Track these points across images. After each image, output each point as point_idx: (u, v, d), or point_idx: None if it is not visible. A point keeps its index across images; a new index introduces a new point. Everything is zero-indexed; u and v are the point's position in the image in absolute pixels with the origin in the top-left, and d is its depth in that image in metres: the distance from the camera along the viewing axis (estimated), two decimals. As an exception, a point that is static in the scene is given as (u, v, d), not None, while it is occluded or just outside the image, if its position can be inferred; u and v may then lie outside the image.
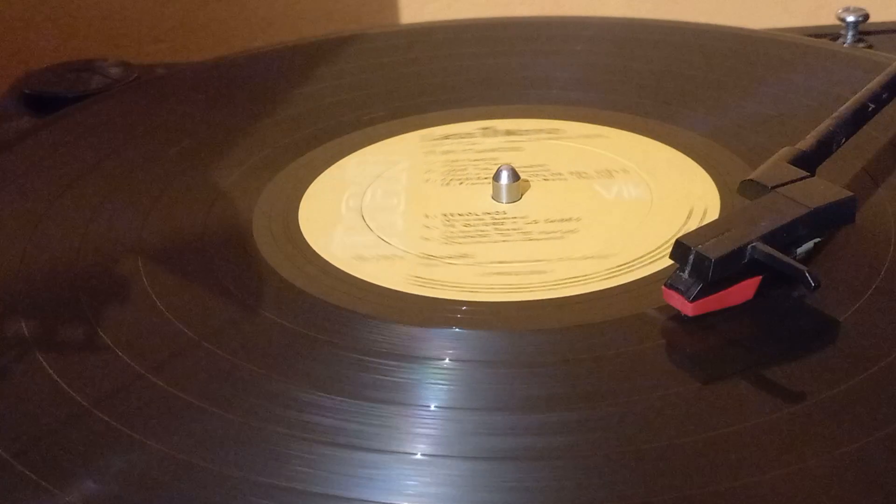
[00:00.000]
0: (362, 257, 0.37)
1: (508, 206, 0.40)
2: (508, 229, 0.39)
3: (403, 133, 0.47)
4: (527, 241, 0.38)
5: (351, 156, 0.45)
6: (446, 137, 0.46)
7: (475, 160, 0.44)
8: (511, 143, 0.45)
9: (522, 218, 0.39)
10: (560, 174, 0.42)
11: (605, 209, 0.39)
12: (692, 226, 0.38)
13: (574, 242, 0.37)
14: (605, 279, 0.35)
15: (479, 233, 0.38)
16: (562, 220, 0.39)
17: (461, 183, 0.42)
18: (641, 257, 0.36)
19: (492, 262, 0.36)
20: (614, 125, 0.46)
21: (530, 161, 0.43)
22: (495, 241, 0.38)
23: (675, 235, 0.35)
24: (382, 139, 0.46)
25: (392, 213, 0.40)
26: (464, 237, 0.38)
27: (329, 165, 0.44)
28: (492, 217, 0.40)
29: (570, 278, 0.35)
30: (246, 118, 0.49)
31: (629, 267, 0.36)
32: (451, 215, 0.40)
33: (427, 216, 0.40)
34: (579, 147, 0.44)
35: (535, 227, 0.39)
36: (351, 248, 0.38)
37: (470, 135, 0.46)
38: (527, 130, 0.46)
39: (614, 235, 0.38)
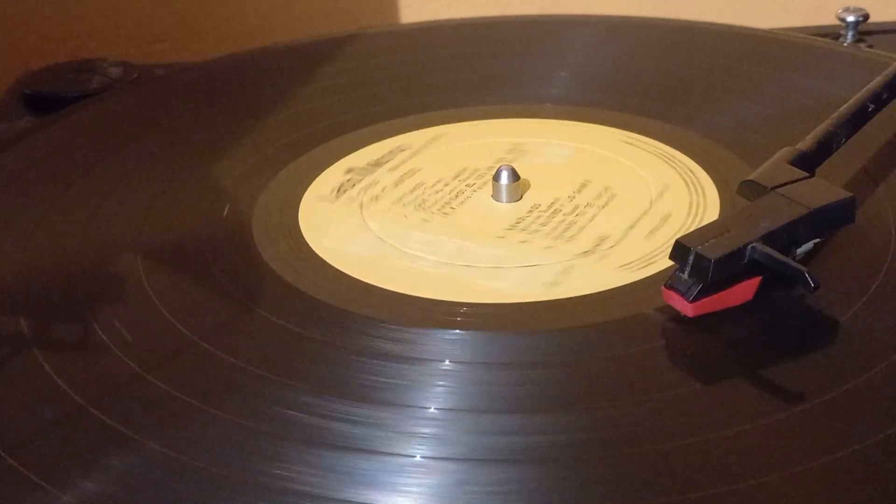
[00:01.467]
0: (342, 243, 0.38)
1: (505, 205, 0.40)
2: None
3: (406, 132, 0.47)
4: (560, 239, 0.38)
5: (352, 155, 0.45)
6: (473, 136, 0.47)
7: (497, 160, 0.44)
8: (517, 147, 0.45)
9: (514, 220, 0.39)
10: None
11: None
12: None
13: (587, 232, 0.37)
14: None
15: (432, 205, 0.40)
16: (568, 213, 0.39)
17: (469, 180, 0.42)
18: (641, 258, 0.36)
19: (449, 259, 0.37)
20: (614, 125, 0.46)
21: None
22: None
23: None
24: (384, 138, 0.47)
25: (391, 202, 0.41)
26: (442, 229, 0.39)
27: (329, 165, 0.44)
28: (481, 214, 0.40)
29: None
30: (246, 118, 0.49)
31: (629, 267, 0.36)
32: (445, 209, 0.40)
33: (422, 207, 0.41)
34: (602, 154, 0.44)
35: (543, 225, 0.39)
36: (335, 234, 0.39)
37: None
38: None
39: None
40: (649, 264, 0.35)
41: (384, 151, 0.45)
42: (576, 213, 0.39)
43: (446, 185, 0.42)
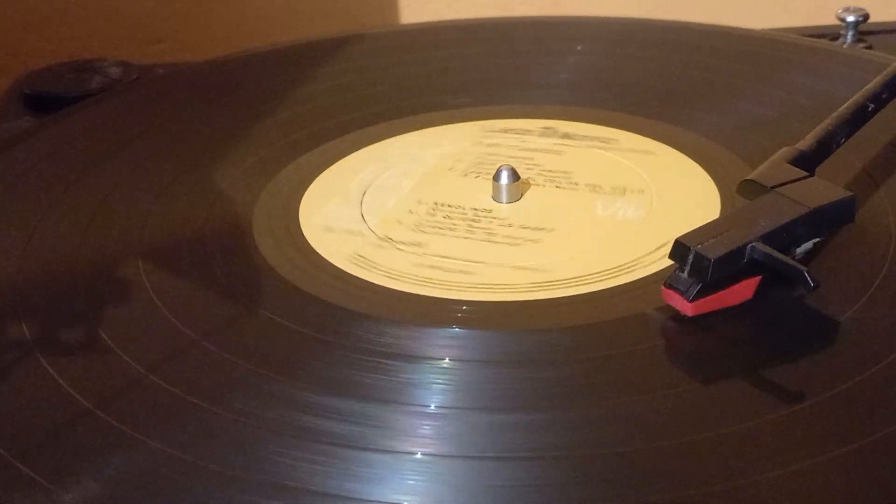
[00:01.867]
0: (330, 228, 0.39)
1: (505, 205, 0.40)
2: (478, 227, 0.39)
3: (406, 132, 0.47)
4: (483, 242, 0.38)
5: (397, 137, 0.46)
6: (504, 131, 0.47)
7: (512, 157, 0.44)
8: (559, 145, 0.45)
9: (501, 219, 0.39)
10: (576, 184, 0.42)
11: (587, 225, 0.39)
12: (656, 256, 0.37)
13: (525, 252, 0.37)
14: (526, 292, 0.35)
15: (451, 226, 0.39)
16: (534, 229, 0.39)
17: (478, 176, 0.42)
18: (641, 258, 0.36)
19: (435, 255, 0.37)
20: (614, 125, 0.46)
21: (556, 167, 0.43)
22: (456, 237, 0.38)
23: (625, 263, 0.36)
24: (384, 138, 0.47)
25: (391, 194, 0.41)
26: (433, 227, 0.39)
27: (329, 165, 0.44)
28: (475, 213, 0.40)
29: (491, 284, 0.35)
30: (246, 118, 0.49)
31: (629, 268, 0.36)
32: (440, 205, 0.40)
33: (419, 202, 0.41)
34: (616, 160, 0.44)
35: (505, 230, 0.39)
36: (328, 218, 0.39)
37: (528, 131, 0.46)
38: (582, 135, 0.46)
39: (565, 253, 0.37)
40: (649, 265, 0.36)
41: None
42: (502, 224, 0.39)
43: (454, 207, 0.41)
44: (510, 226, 0.39)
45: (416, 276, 0.36)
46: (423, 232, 0.38)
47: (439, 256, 0.37)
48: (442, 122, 0.48)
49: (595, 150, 0.44)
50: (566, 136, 0.46)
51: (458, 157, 0.44)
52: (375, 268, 0.36)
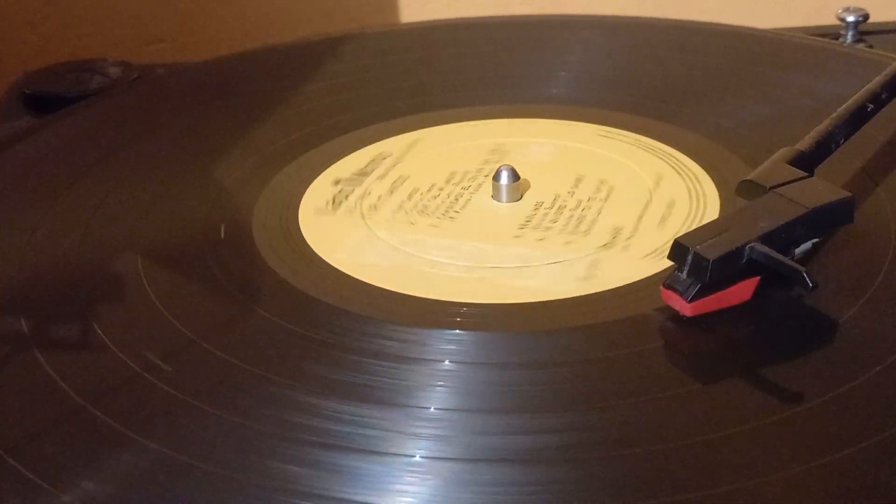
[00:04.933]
0: (341, 242, 0.38)
1: (505, 205, 0.40)
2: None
3: (406, 132, 0.47)
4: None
5: (352, 155, 0.46)
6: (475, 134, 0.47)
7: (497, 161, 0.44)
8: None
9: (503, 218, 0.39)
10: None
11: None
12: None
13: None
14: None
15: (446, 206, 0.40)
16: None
17: (473, 179, 0.43)
18: (662, 246, 0.36)
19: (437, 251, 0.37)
20: (614, 125, 0.46)
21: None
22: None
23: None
24: (384, 138, 0.47)
25: (389, 201, 0.41)
26: (433, 210, 0.39)
27: (329, 165, 0.44)
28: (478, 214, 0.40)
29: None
30: (246, 118, 0.49)
31: (654, 255, 0.36)
32: (442, 207, 0.40)
33: (421, 206, 0.41)
34: (615, 158, 0.44)
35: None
36: (335, 232, 0.39)
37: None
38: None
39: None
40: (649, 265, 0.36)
41: (368, 160, 0.45)
42: (581, 209, 0.39)
43: (441, 189, 0.42)
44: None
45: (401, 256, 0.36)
46: (428, 216, 0.39)
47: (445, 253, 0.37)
48: (442, 122, 0.48)
49: (595, 149, 0.44)
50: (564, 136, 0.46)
51: (457, 157, 0.44)
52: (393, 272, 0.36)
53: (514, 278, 0.35)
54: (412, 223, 0.39)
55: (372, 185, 0.42)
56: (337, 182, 0.42)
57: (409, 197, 0.41)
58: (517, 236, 0.38)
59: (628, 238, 0.37)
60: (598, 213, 0.39)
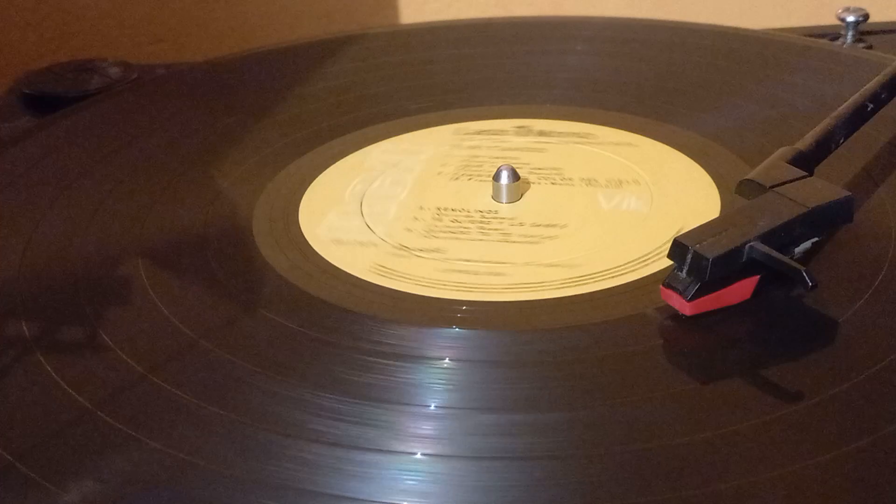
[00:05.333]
0: (340, 241, 0.38)
1: (505, 205, 0.40)
2: (490, 229, 0.39)
3: (437, 125, 0.47)
4: (502, 243, 0.38)
5: (377, 143, 0.46)
6: (478, 133, 0.46)
7: (496, 157, 0.44)
8: (538, 143, 0.45)
9: (510, 219, 0.39)
10: (570, 179, 0.42)
11: (597, 219, 0.39)
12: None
13: (547, 249, 0.37)
14: (560, 288, 0.35)
15: (462, 229, 0.39)
16: (547, 226, 0.39)
17: (470, 178, 0.42)
18: (639, 259, 0.36)
19: (458, 260, 0.37)
20: (614, 125, 0.46)
21: (546, 164, 0.43)
22: (472, 239, 0.38)
23: (649, 252, 0.36)
24: (412, 130, 0.47)
25: (389, 202, 0.41)
26: (445, 232, 0.38)
27: (329, 165, 0.44)
28: (482, 215, 0.40)
29: (525, 283, 0.35)
30: (245, 118, 0.49)
31: (627, 268, 0.36)
32: (444, 210, 0.40)
33: (421, 208, 0.40)
34: (601, 153, 0.44)
35: (517, 229, 0.39)
36: (334, 231, 0.38)
37: (503, 131, 0.46)
38: (558, 132, 0.46)
39: (589, 246, 0.37)
40: (648, 265, 0.36)
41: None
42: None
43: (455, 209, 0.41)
44: (522, 224, 0.39)
45: (448, 281, 0.35)
46: (437, 238, 0.38)
47: (464, 260, 0.37)
48: (443, 122, 0.48)
49: (599, 150, 0.44)
50: (557, 134, 0.46)
51: (442, 161, 0.44)
52: (401, 277, 0.36)
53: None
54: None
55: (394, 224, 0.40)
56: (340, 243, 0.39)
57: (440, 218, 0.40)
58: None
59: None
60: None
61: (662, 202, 0.40)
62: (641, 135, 0.45)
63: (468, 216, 0.40)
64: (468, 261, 0.37)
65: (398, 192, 0.42)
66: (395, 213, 0.40)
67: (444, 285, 0.35)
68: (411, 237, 0.38)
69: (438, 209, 0.40)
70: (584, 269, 0.36)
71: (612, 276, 0.35)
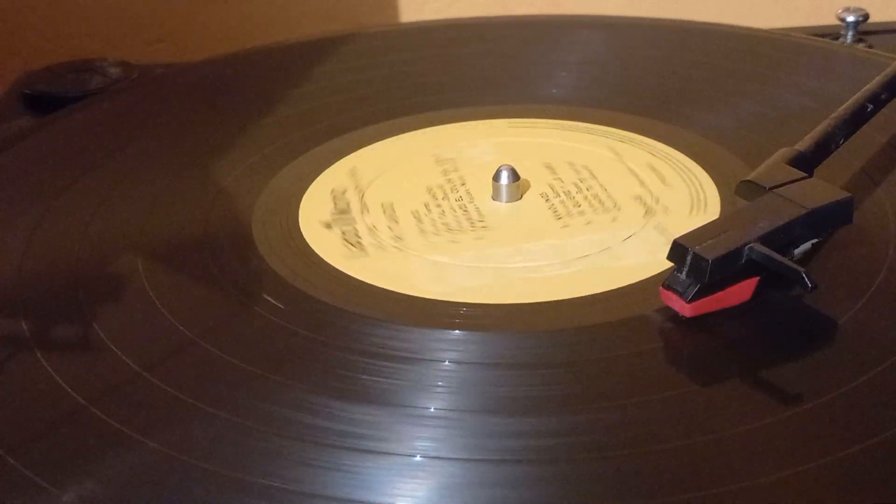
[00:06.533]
0: (339, 240, 0.38)
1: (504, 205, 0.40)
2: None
3: (411, 130, 0.47)
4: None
5: (378, 143, 0.46)
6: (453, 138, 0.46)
7: (478, 165, 0.44)
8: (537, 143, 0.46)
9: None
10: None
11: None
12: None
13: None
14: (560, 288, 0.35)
15: (448, 227, 0.39)
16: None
17: (464, 183, 0.42)
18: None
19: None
20: (614, 125, 0.46)
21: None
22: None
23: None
24: (412, 130, 0.47)
25: (388, 203, 0.41)
26: (434, 232, 0.39)
27: (329, 165, 0.44)
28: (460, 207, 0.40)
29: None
30: (246, 118, 0.49)
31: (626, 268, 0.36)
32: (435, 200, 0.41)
33: (424, 205, 0.40)
34: (601, 153, 0.44)
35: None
36: (334, 231, 0.38)
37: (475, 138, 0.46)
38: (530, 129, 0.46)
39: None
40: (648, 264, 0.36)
41: (331, 199, 0.42)
42: (588, 189, 0.41)
43: (440, 204, 0.41)
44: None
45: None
46: (435, 236, 0.38)
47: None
48: (442, 122, 0.48)
49: (597, 150, 0.44)
50: (557, 135, 0.46)
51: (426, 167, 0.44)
52: (368, 270, 0.36)
53: (610, 261, 0.36)
54: (454, 241, 0.38)
55: (366, 221, 0.40)
56: (328, 225, 0.40)
57: (420, 220, 0.40)
58: (565, 226, 0.38)
59: (657, 202, 0.39)
60: (605, 190, 0.40)
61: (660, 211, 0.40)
62: (641, 135, 0.45)
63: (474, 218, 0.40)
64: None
65: (399, 192, 0.42)
66: (418, 236, 0.39)
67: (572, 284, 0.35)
68: (465, 248, 0.38)
69: (458, 220, 0.40)
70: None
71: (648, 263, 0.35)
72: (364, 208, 0.41)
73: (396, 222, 0.40)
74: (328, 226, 0.40)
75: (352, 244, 0.38)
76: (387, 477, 0.27)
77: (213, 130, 0.48)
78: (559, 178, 0.42)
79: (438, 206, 0.41)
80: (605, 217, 0.39)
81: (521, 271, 0.36)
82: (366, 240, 0.39)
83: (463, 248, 0.38)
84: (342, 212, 0.41)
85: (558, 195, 0.41)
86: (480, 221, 0.39)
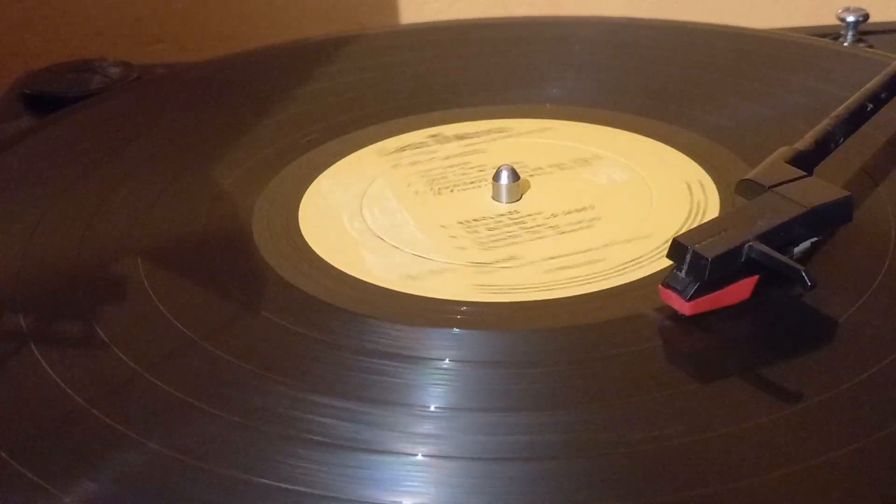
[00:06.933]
0: (412, 276, 0.36)
1: (515, 205, 0.40)
2: (534, 226, 0.39)
3: (411, 130, 0.47)
4: (562, 235, 0.38)
5: (377, 143, 0.46)
6: (402, 150, 0.46)
7: (451, 167, 0.44)
8: (471, 146, 0.45)
9: (539, 214, 0.39)
10: (540, 168, 0.43)
11: (609, 194, 0.40)
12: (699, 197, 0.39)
13: (606, 228, 0.38)
14: (658, 258, 0.35)
15: (509, 234, 0.38)
16: (578, 210, 0.39)
17: (451, 190, 0.42)
18: (640, 257, 0.36)
19: (544, 259, 0.36)
20: (614, 125, 0.46)
21: (502, 161, 0.43)
22: (531, 240, 0.38)
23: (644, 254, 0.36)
24: (412, 130, 0.47)
25: (407, 229, 0.39)
26: (496, 241, 0.38)
27: (329, 165, 0.44)
28: (509, 218, 0.39)
29: (626, 262, 0.36)
30: (246, 118, 0.49)
31: (626, 267, 0.36)
32: (468, 222, 0.39)
33: (444, 227, 0.39)
34: (542, 142, 0.45)
35: (559, 220, 0.39)
36: (395, 270, 0.36)
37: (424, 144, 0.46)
38: (480, 131, 0.47)
39: (638, 216, 0.39)
40: (648, 264, 0.36)
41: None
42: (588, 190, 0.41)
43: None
44: (556, 215, 0.39)
45: (557, 280, 0.35)
46: (497, 247, 0.37)
47: (550, 258, 0.36)
48: (443, 122, 0.48)
49: (597, 150, 0.44)
50: (558, 135, 0.46)
51: (404, 181, 0.44)
52: (511, 289, 0.35)
53: (610, 261, 0.36)
54: (457, 242, 0.38)
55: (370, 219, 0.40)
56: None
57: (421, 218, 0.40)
58: (563, 226, 0.39)
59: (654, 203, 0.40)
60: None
61: (640, 167, 0.41)
62: (641, 134, 0.45)
63: (498, 221, 0.39)
64: (554, 258, 0.36)
65: (403, 220, 0.41)
66: (428, 238, 0.39)
67: (558, 284, 0.35)
68: (473, 253, 0.37)
69: (461, 223, 0.39)
70: (659, 236, 0.37)
71: (611, 277, 0.35)
72: (367, 207, 0.41)
73: (396, 219, 0.40)
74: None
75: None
76: (387, 475, 0.27)
77: (213, 130, 0.48)
78: (559, 178, 0.42)
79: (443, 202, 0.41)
80: (605, 217, 0.39)
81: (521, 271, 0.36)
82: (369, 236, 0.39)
83: (466, 245, 0.38)
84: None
85: (558, 195, 0.41)
86: (477, 222, 0.39)
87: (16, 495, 0.27)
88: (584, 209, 0.39)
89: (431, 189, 0.42)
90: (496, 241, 0.38)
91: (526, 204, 0.40)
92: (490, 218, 0.40)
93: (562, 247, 0.37)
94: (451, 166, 0.44)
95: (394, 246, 0.38)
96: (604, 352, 0.31)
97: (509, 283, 0.35)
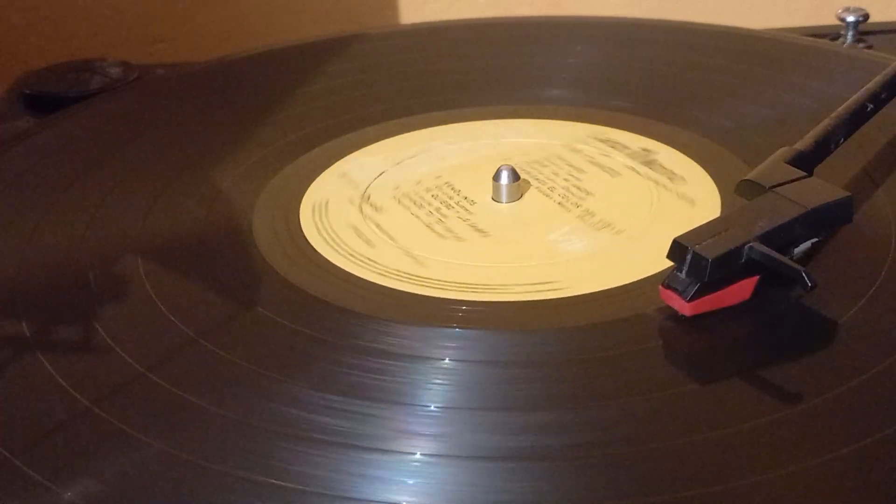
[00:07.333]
0: (413, 275, 0.36)
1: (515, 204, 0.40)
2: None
3: (412, 131, 0.47)
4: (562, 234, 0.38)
5: (377, 143, 0.46)
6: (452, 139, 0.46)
7: (477, 159, 0.44)
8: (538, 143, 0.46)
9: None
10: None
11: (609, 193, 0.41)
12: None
13: (606, 228, 0.38)
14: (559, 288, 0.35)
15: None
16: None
17: (451, 188, 0.42)
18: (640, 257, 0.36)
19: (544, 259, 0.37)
20: (613, 125, 0.46)
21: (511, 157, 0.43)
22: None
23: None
24: (411, 130, 0.47)
25: (408, 229, 0.39)
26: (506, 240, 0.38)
27: (329, 165, 0.44)
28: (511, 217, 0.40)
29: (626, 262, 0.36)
30: (246, 118, 0.49)
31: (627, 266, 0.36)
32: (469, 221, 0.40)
33: (447, 228, 0.39)
34: (615, 161, 0.44)
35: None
36: (396, 269, 0.37)
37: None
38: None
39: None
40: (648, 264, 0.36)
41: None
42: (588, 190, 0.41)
43: (441, 203, 0.41)
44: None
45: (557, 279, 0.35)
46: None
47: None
48: (443, 123, 0.48)
49: (595, 150, 0.44)
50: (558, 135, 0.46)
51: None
52: (505, 291, 0.35)
53: (609, 260, 0.36)
54: (460, 240, 0.38)
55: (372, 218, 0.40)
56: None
57: (420, 219, 0.40)
58: (579, 216, 0.39)
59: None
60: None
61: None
62: (641, 135, 0.45)
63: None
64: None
65: (399, 192, 0.42)
66: (396, 212, 0.40)
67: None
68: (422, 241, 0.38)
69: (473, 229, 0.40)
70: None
71: (611, 277, 0.35)
72: (367, 207, 0.41)
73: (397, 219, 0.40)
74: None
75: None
76: (387, 475, 0.27)
77: (213, 130, 0.48)
78: (559, 178, 0.42)
79: (443, 203, 0.41)
80: (605, 216, 0.39)
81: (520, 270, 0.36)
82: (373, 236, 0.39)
83: (469, 245, 0.38)
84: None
85: (558, 195, 0.41)
86: (479, 224, 0.39)
87: (18, 494, 0.27)
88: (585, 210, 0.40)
89: (431, 189, 0.42)
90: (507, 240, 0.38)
91: (526, 203, 0.40)
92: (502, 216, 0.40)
93: (562, 246, 0.37)
94: (451, 166, 0.44)
95: (395, 245, 0.38)
96: (604, 352, 0.31)
97: (510, 283, 0.35)
